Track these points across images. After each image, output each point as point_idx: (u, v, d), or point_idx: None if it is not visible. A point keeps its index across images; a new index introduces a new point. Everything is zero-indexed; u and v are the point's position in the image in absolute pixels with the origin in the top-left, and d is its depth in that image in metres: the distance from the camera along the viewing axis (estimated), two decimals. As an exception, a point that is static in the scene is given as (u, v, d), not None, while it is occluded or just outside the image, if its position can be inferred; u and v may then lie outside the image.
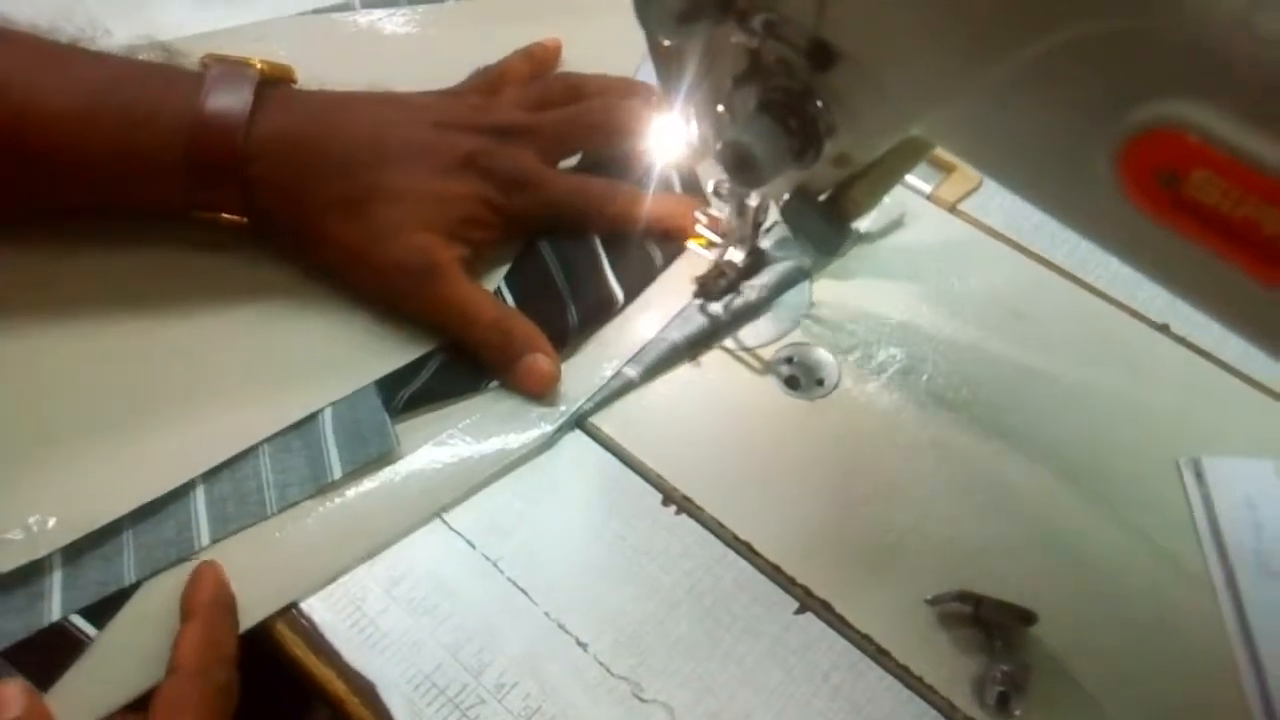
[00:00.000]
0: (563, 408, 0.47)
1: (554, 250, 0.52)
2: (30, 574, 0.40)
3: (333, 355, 0.48)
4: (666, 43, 0.38)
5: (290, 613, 0.41)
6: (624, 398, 0.49)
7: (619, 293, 0.51)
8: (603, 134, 0.54)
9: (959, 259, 0.56)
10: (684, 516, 0.45)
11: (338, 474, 0.44)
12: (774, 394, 0.50)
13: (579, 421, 0.48)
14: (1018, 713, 0.40)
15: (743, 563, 0.44)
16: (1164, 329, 0.53)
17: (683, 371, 0.50)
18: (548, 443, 0.46)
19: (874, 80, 0.33)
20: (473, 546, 0.43)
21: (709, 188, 0.49)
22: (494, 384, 0.48)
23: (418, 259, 0.48)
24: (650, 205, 0.52)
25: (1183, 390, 0.51)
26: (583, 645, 0.41)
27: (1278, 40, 0.24)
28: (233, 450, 0.44)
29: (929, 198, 0.58)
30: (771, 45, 0.35)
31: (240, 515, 0.43)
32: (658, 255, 0.53)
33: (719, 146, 0.38)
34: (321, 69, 0.52)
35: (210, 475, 0.44)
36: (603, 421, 0.48)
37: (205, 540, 0.42)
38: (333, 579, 0.42)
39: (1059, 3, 0.27)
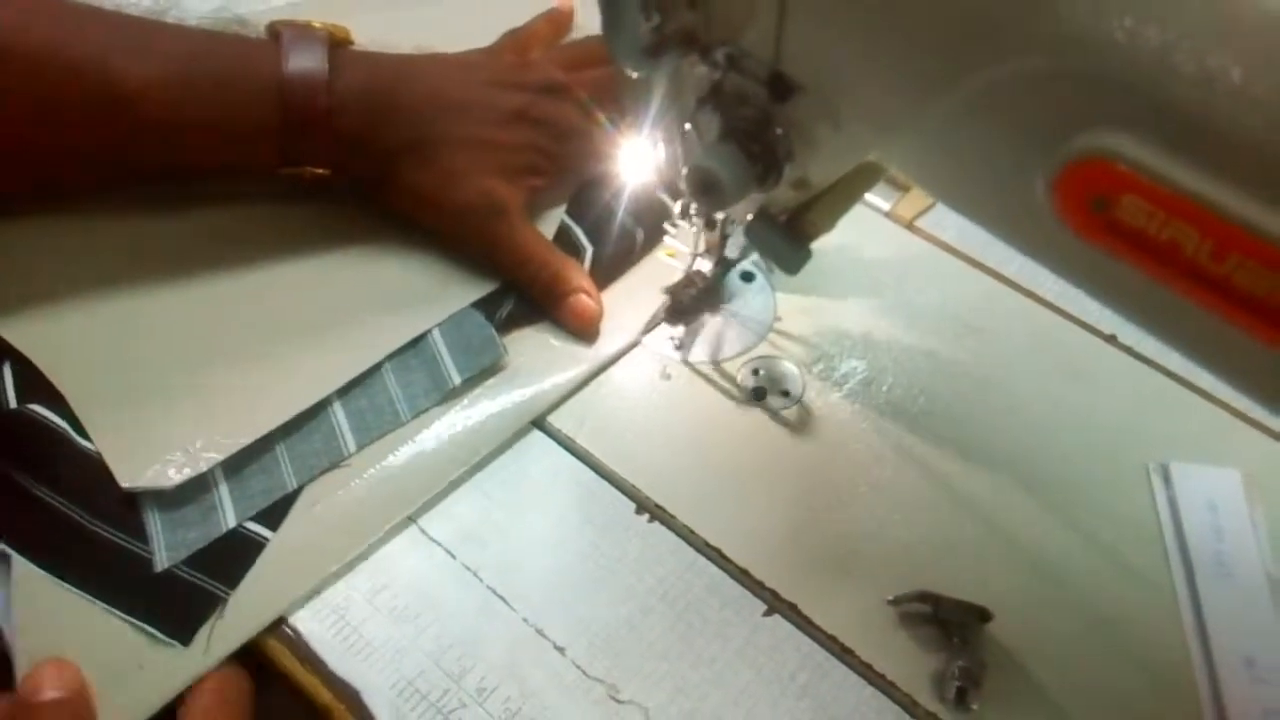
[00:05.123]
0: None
1: (606, 183, 0.57)
2: (199, 491, 0.44)
3: (428, 286, 0.53)
4: (635, 75, 0.40)
5: (278, 626, 0.42)
6: (597, 411, 0.50)
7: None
8: None
9: (916, 273, 0.58)
10: (656, 524, 0.47)
11: (457, 381, 0.49)
12: (742, 405, 0.51)
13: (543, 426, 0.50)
14: (975, 706, 0.41)
15: (713, 568, 0.46)
16: (1111, 339, 0.56)
17: (654, 384, 0.52)
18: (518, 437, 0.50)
19: (830, 111, 0.35)
20: (453, 556, 0.45)
21: (676, 208, 0.51)
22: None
23: (482, 201, 0.53)
24: None
25: (1129, 396, 0.54)
26: (560, 649, 0.42)
27: (1193, 78, 0.26)
28: (358, 369, 0.49)
29: (887, 215, 0.61)
30: (733, 77, 0.37)
31: (379, 424, 0.48)
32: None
33: (685, 172, 0.39)
34: (372, 34, 0.56)
35: (344, 393, 0.48)
36: (577, 433, 0.49)
37: (352, 448, 0.47)
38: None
39: (998, 40, 0.29)
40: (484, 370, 0.50)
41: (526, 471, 0.48)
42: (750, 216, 0.44)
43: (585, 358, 0.52)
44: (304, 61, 0.50)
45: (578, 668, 0.42)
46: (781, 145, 0.38)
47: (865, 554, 0.46)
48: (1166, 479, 0.50)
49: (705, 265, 0.53)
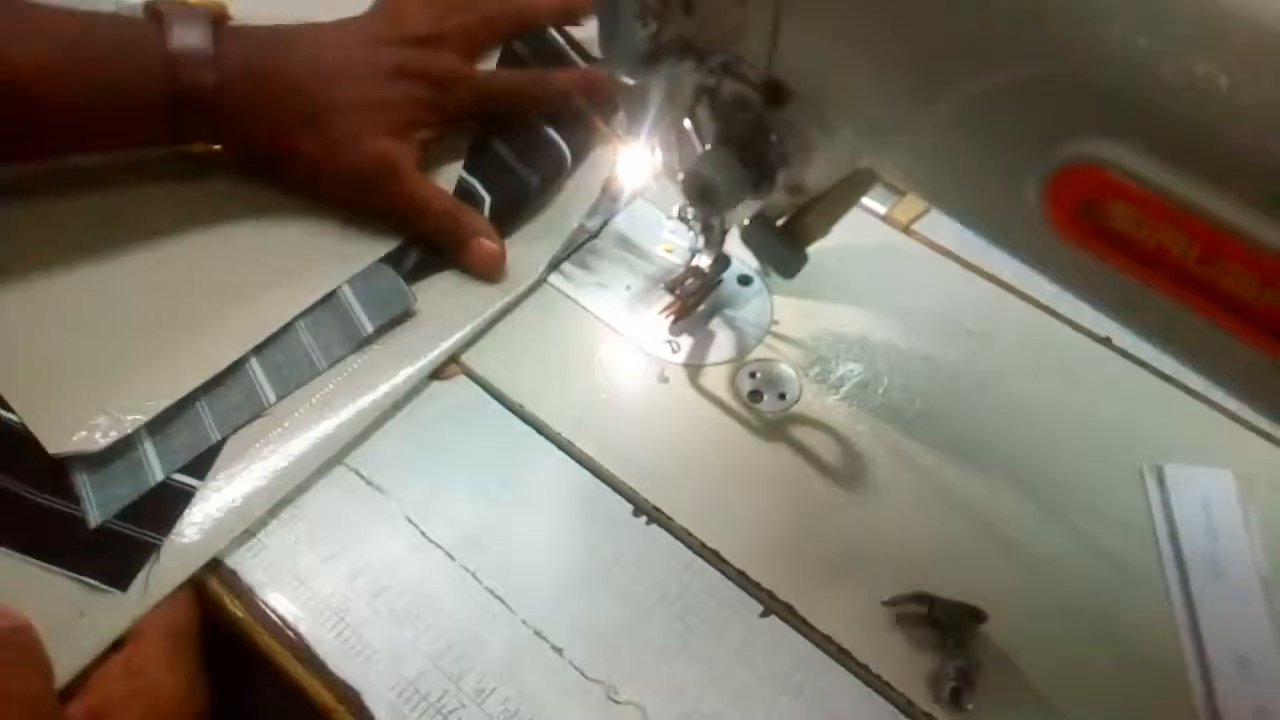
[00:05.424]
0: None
1: (501, 136, 0.60)
2: (126, 450, 0.46)
3: (335, 245, 0.55)
4: (631, 81, 0.41)
5: (278, 627, 0.43)
6: (596, 413, 0.51)
7: (566, 151, 0.59)
8: (507, 25, 0.62)
9: (912, 277, 0.58)
10: (654, 526, 0.47)
11: (369, 329, 0.51)
12: (739, 408, 0.52)
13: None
14: (970, 706, 0.42)
15: (710, 569, 0.46)
16: (1106, 341, 0.56)
17: (652, 387, 0.52)
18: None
19: (823, 118, 0.36)
20: (452, 558, 0.45)
21: (674, 212, 0.51)
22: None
23: (375, 162, 0.54)
24: (573, 82, 0.60)
25: (1124, 398, 0.54)
26: (559, 651, 0.43)
27: (1181, 87, 0.26)
28: (272, 328, 0.51)
29: (884, 218, 0.61)
30: (729, 84, 0.38)
31: (296, 375, 0.50)
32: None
33: (681, 177, 0.40)
34: (252, 9, 0.57)
35: (260, 351, 0.50)
36: (575, 436, 0.49)
37: (272, 399, 0.49)
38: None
39: (989, 49, 0.30)
40: (394, 319, 0.52)
41: (525, 474, 0.48)
42: (746, 221, 0.44)
43: (492, 299, 0.54)
44: (188, 39, 0.50)
45: (576, 669, 0.42)
46: (776, 151, 0.38)
47: (861, 555, 0.47)
48: (1161, 480, 0.50)
49: (704, 261, 0.54)
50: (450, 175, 0.58)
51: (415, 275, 0.55)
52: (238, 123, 0.53)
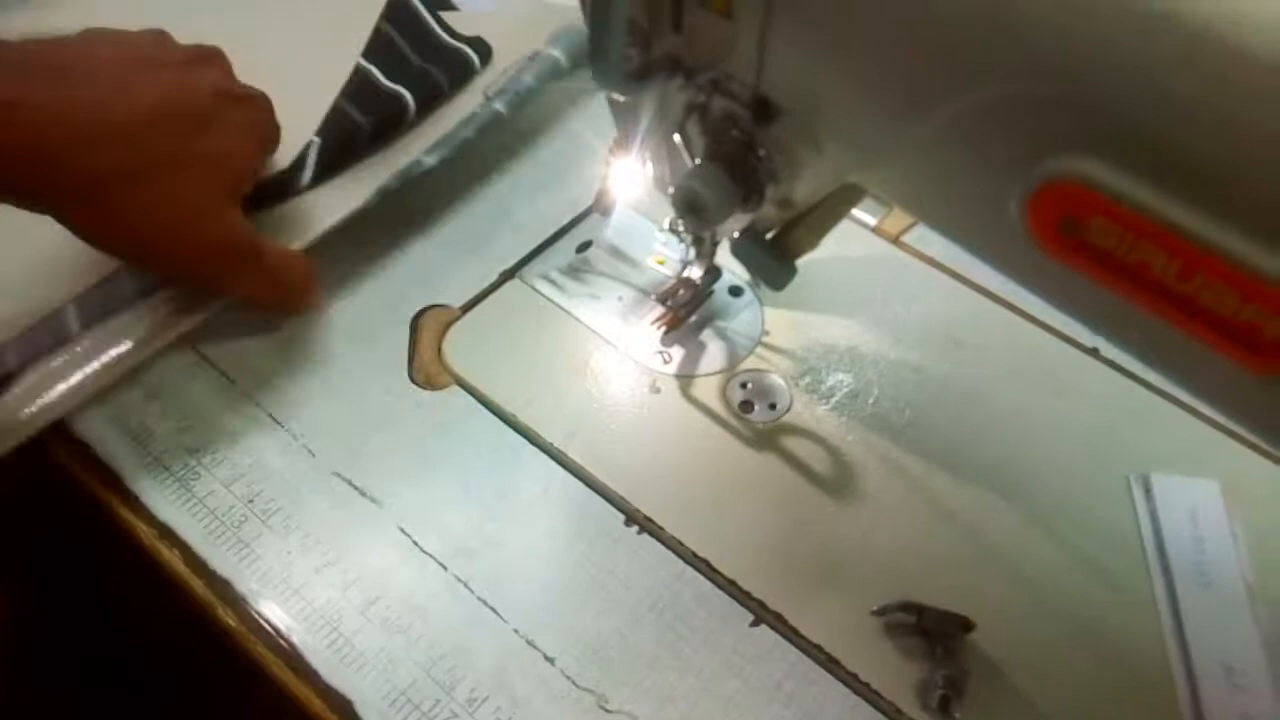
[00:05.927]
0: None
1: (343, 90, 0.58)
2: None
3: None
4: (621, 98, 0.41)
5: (271, 636, 0.43)
6: (587, 424, 0.51)
7: (411, 102, 0.58)
8: None
9: (902, 288, 0.59)
10: (645, 536, 0.47)
11: None
12: (730, 418, 0.52)
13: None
14: (957, 715, 0.42)
15: (701, 578, 0.46)
16: (1093, 352, 0.56)
17: (643, 397, 0.52)
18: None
19: (810, 134, 0.36)
20: (444, 568, 0.46)
21: (665, 224, 0.52)
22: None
23: (227, 240, 0.45)
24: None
25: (1111, 408, 0.54)
26: (550, 660, 0.43)
27: (1158, 105, 0.27)
28: (101, 274, 0.50)
29: (873, 230, 0.61)
30: (718, 101, 0.38)
31: (110, 304, 0.49)
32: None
33: (672, 191, 0.40)
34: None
35: (80, 299, 0.49)
36: (567, 446, 0.50)
37: (76, 328, 0.48)
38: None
39: (970, 68, 0.30)
40: None
41: (518, 484, 0.49)
42: (736, 234, 0.45)
43: (316, 227, 0.53)
44: None
45: (567, 678, 0.43)
46: (765, 167, 0.39)
47: (851, 565, 0.47)
48: (1147, 490, 0.51)
49: (695, 272, 0.54)
50: (300, 141, 0.55)
51: (252, 205, 0.51)
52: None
